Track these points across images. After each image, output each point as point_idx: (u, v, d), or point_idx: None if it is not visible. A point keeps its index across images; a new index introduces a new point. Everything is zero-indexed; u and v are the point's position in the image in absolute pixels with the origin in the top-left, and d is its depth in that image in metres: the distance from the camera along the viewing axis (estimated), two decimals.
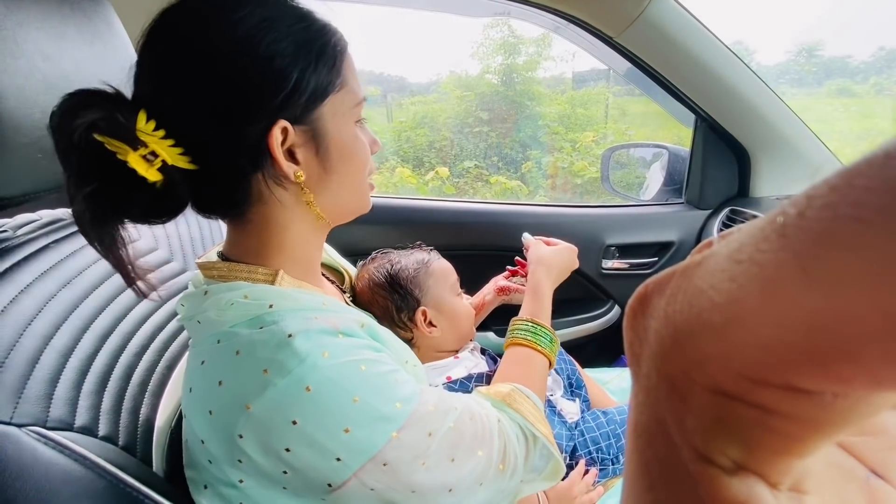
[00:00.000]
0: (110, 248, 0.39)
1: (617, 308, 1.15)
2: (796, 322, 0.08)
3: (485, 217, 1.07)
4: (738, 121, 0.96)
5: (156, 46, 0.40)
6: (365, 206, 0.51)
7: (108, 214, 0.38)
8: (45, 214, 0.56)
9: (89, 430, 0.42)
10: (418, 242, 0.75)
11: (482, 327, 1.08)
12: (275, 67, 0.40)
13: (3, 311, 0.41)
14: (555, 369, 0.81)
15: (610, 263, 1.10)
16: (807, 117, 0.93)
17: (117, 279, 0.56)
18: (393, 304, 0.66)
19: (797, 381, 0.08)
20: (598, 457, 0.65)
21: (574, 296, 1.14)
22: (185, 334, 0.61)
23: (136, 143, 0.36)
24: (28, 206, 0.53)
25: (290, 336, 0.39)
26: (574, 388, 0.79)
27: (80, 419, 0.42)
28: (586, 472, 0.64)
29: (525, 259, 0.85)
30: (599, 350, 1.19)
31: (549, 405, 0.74)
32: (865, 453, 0.12)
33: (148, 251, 0.63)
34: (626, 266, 1.11)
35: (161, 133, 0.37)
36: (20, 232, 0.51)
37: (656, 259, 1.12)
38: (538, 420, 0.50)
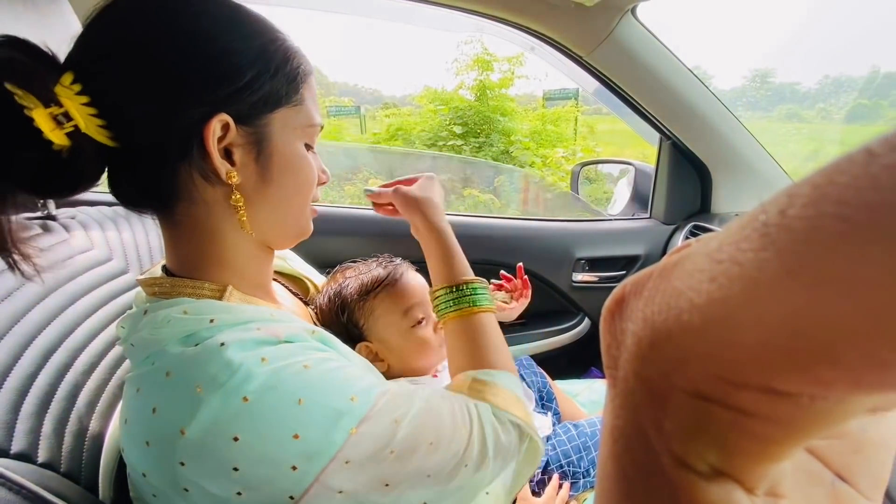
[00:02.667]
0: None
1: (587, 321, 1.17)
2: (778, 323, 0.08)
3: (457, 229, 1.07)
4: (699, 140, 1.00)
5: (106, 16, 0.37)
6: (304, 231, 0.49)
7: (4, 174, 0.34)
8: None
9: (27, 457, 0.39)
10: (386, 254, 0.68)
11: None
12: (230, 62, 0.39)
13: None
14: (526, 383, 0.80)
15: (580, 276, 1.12)
16: (761, 139, 0.98)
17: (62, 292, 0.52)
18: (342, 331, 0.61)
19: (777, 384, 0.08)
20: (569, 470, 0.65)
21: (545, 309, 1.15)
22: None
23: (49, 99, 0.34)
24: None
25: (222, 345, 0.36)
26: (545, 402, 0.80)
27: (18, 444, 0.38)
28: (560, 486, 0.64)
29: (511, 274, 0.83)
30: (570, 362, 1.20)
31: None
32: (831, 457, 0.12)
33: (103, 261, 0.60)
34: (596, 279, 1.13)
35: (84, 99, 0.35)
36: None
37: (624, 272, 1.14)
38: (508, 402, 0.47)
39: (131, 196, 0.42)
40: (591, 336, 1.17)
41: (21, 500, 0.35)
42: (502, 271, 0.86)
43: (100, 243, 0.61)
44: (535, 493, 0.63)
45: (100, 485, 0.44)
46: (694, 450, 0.10)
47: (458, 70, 6.33)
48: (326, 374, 0.39)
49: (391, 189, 0.61)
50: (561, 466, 0.65)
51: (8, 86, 0.33)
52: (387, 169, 5.80)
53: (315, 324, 0.61)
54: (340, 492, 0.38)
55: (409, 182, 0.62)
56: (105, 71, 0.36)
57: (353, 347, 0.59)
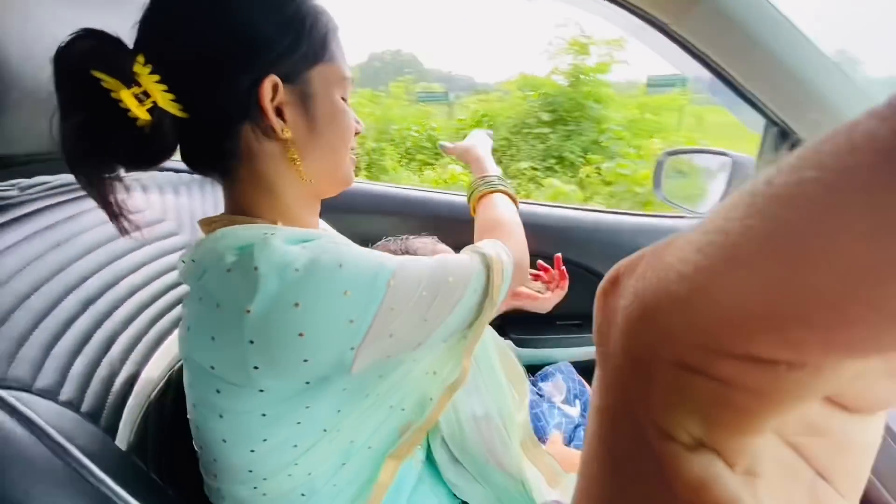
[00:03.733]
0: (96, 185, 0.41)
1: None
2: (757, 287, 0.08)
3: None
4: (816, 130, 0.82)
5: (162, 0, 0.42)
6: (348, 178, 0.53)
7: (94, 149, 0.40)
8: (60, 178, 0.57)
9: (49, 393, 0.42)
10: (424, 233, 0.75)
11: (500, 334, 1.02)
12: (272, 25, 0.43)
13: None
14: (562, 377, 0.75)
15: None
16: None
17: (113, 246, 0.56)
18: None
19: (755, 350, 0.09)
20: None
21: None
22: (178, 308, 0.60)
23: (130, 81, 0.39)
24: (42, 168, 0.55)
25: (270, 235, 0.40)
26: (583, 411, 0.72)
27: (42, 381, 0.42)
28: None
29: (548, 265, 0.79)
30: None
31: (550, 403, 0.69)
32: (813, 455, 0.12)
33: (154, 221, 0.64)
34: None
35: (156, 77, 0.39)
36: (27, 192, 0.53)
37: None
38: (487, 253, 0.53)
39: (203, 160, 0.48)
40: None
41: (29, 434, 0.37)
42: (540, 261, 0.80)
43: (156, 206, 0.66)
44: None
45: (120, 429, 0.47)
46: (677, 421, 0.10)
47: (552, 54, 6.06)
48: (356, 250, 0.43)
49: (453, 146, 0.82)
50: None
51: (95, 73, 0.38)
52: None
53: None
54: (391, 335, 0.43)
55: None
56: (169, 50, 0.41)
57: None
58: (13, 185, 0.52)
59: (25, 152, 0.49)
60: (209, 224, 0.48)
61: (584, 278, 1.01)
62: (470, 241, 1.05)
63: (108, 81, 0.38)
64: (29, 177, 0.53)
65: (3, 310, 0.42)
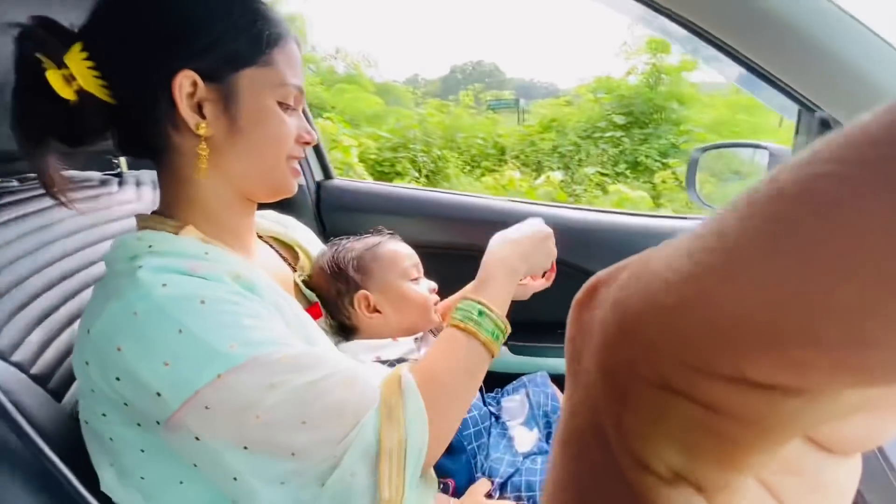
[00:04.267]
0: (33, 150, 0.45)
1: None
2: (756, 297, 0.07)
3: (503, 216, 0.96)
4: (860, 112, 0.68)
5: None
6: (281, 186, 0.52)
7: (34, 121, 0.45)
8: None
9: (1, 355, 0.48)
10: (379, 227, 0.72)
11: None
12: (194, 21, 0.45)
13: None
14: (527, 395, 0.69)
15: None
16: None
17: (104, 229, 0.64)
18: (335, 289, 0.64)
19: (750, 371, 0.08)
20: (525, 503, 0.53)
21: None
22: None
23: (60, 62, 0.42)
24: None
25: (139, 267, 0.41)
26: (550, 430, 0.66)
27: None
28: None
29: None
30: None
31: (503, 428, 0.63)
32: (786, 495, 0.12)
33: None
34: None
35: (89, 63, 0.43)
36: (27, 185, 0.62)
37: None
38: (389, 417, 0.43)
39: (126, 146, 0.51)
40: None
41: None
42: None
43: (147, 198, 0.73)
44: None
45: (68, 393, 0.53)
46: (655, 449, 0.09)
47: (628, 54, 5.75)
48: (217, 314, 0.40)
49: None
50: (519, 497, 0.54)
51: (36, 53, 0.43)
52: (534, 163, 5.65)
53: (297, 287, 0.63)
54: (197, 438, 0.39)
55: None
56: (101, 36, 0.44)
57: (343, 303, 0.64)
58: (15, 178, 0.62)
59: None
60: (139, 221, 0.50)
61: (582, 282, 0.94)
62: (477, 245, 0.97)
63: (45, 62, 0.42)
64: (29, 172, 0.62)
65: None
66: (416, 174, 4.86)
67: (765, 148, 0.94)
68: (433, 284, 0.68)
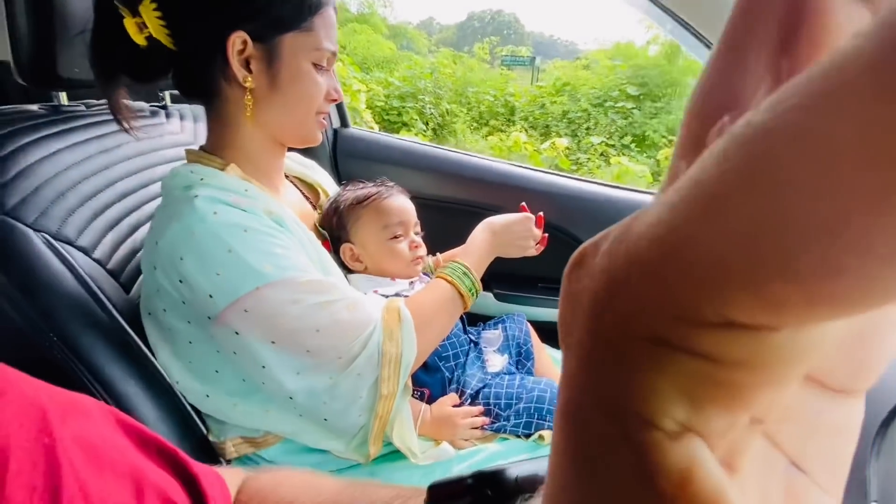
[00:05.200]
0: (108, 85, 0.55)
1: None
2: (733, 235, 0.07)
3: (504, 178, 1.07)
4: None
5: None
6: (309, 136, 0.61)
7: (110, 60, 0.54)
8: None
9: (85, 250, 0.60)
10: (383, 179, 0.77)
11: (483, 287, 1.10)
12: None
13: (48, 156, 0.60)
14: (505, 328, 0.82)
15: None
16: None
17: (153, 155, 0.74)
18: (333, 232, 0.73)
19: (733, 313, 0.08)
20: (493, 410, 0.67)
21: None
22: None
23: (135, 11, 0.51)
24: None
25: (195, 196, 0.51)
26: (521, 358, 0.80)
27: (82, 241, 0.60)
28: (479, 415, 0.67)
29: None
30: None
31: (479, 353, 0.77)
32: (784, 441, 0.11)
33: (185, 143, 0.81)
34: None
35: (158, 14, 0.50)
36: (92, 109, 0.71)
37: None
38: (390, 337, 0.56)
39: (184, 89, 0.59)
40: None
41: (72, 277, 0.55)
42: (523, 203, 0.82)
43: (188, 130, 0.83)
44: None
45: (134, 287, 0.65)
46: (660, 406, 0.09)
47: (650, 22, 5.59)
48: (257, 241, 0.51)
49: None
50: (488, 403, 0.68)
51: (115, 2, 0.51)
52: (542, 126, 5.63)
53: (316, 225, 0.74)
54: (237, 333, 0.51)
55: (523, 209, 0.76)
56: None
57: (337, 246, 0.72)
58: (83, 103, 0.71)
59: (86, 77, 0.66)
60: (188, 155, 0.59)
61: (567, 244, 1.06)
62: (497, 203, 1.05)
63: (122, 9, 0.50)
64: (97, 98, 0.72)
65: (60, 189, 0.60)
66: (423, 127, 4.84)
67: None
68: (416, 240, 0.73)
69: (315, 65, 0.57)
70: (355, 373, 0.54)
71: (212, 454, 0.60)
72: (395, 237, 0.71)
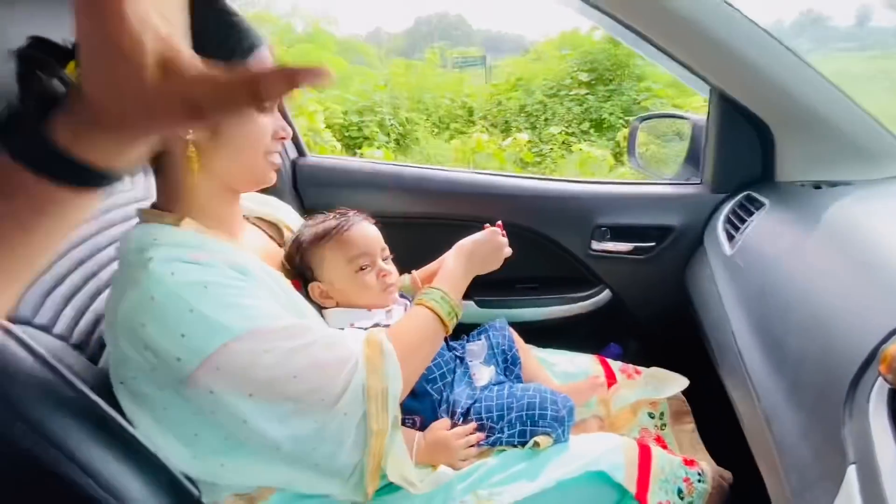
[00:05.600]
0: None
1: (608, 292, 1.09)
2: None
3: (465, 187, 1.08)
4: (752, 92, 0.82)
5: None
6: (262, 179, 0.60)
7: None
8: None
9: (46, 328, 0.58)
10: (343, 208, 0.75)
11: (464, 296, 1.11)
12: None
13: None
14: (488, 337, 0.82)
15: (599, 245, 1.04)
16: (845, 84, 0.76)
17: (102, 220, 0.71)
18: (299, 270, 0.71)
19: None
20: (486, 424, 0.68)
21: (559, 275, 1.11)
22: None
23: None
24: None
25: (149, 259, 0.49)
26: (508, 364, 0.81)
27: (40, 319, 0.57)
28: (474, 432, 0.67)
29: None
30: (588, 335, 1.14)
31: (466, 368, 0.77)
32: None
33: (141, 198, 0.79)
34: (621, 249, 1.04)
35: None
36: None
37: (654, 244, 1.02)
38: (374, 371, 0.55)
39: None
40: (612, 308, 1.10)
41: (34, 360, 0.53)
42: (486, 223, 0.85)
43: (140, 185, 0.80)
44: None
45: (102, 357, 0.63)
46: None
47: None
48: (219, 296, 0.50)
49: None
50: (480, 419, 0.68)
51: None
52: (502, 123, 5.69)
53: (283, 264, 0.73)
54: (212, 392, 0.49)
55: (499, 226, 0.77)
56: None
57: (307, 288, 0.71)
58: None
59: None
60: (143, 214, 0.57)
61: (535, 242, 1.07)
62: (448, 215, 1.06)
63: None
64: None
65: None
66: (385, 138, 4.83)
67: (688, 119, 1.08)
68: (384, 268, 0.71)
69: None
70: (341, 412, 0.53)
71: None
72: (362, 269, 0.70)
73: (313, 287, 0.70)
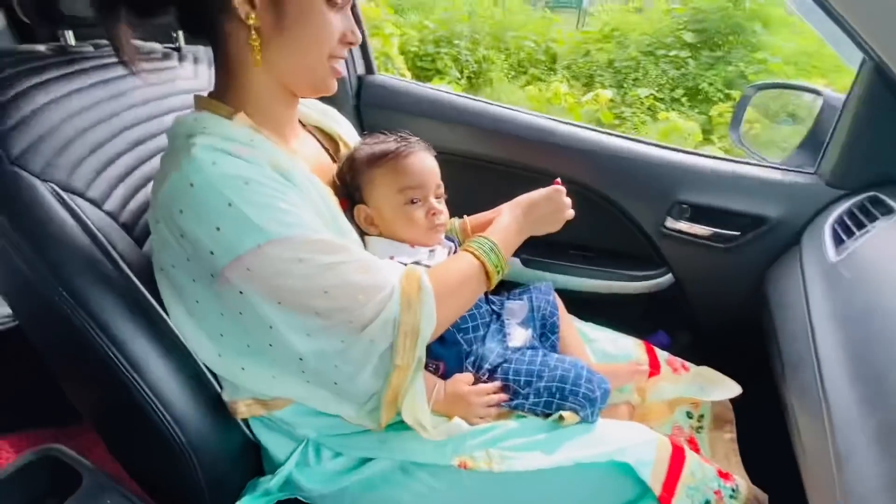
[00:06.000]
0: (108, 19, 0.50)
1: (670, 276, 0.99)
2: None
3: (543, 134, 0.97)
4: None
5: None
6: (321, 85, 0.56)
7: None
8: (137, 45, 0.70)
9: (96, 203, 0.58)
10: (406, 133, 0.69)
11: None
12: None
13: (54, 101, 0.57)
14: (530, 299, 0.77)
15: (675, 224, 0.93)
16: None
17: (163, 102, 0.70)
18: (348, 190, 0.68)
19: None
20: (511, 387, 0.64)
21: (621, 248, 1.01)
22: None
23: None
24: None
25: (193, 145, 0.47)
26: (546, 331, 0.75)
27: (92, 192, 0.57)
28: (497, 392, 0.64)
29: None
30: (641, 317, 1.06)
31: (501, 325, 0.73)
32: None
33: (199, 89, 0.76)
34: (698, 232, 0.92)
35: None
36: (101, 50, 0.67)
37: (739, 233, 0.90)
38: (407, 305, 0.52)
39: (187, 26, 0.56)
40: (671, 295, 1.00)
41: (81, 230, 0.53)
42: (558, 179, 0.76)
43: (203, 75, 0.78)
44: None
45: (147, 242, 0.63)
46: None
47: None
48: (259, 195, 0.47)
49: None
50: (507, 380, 0.64)
51: None
52: (585, 76, 5.23)
53: (335, 180, 0.69)
54: (241, 292, 0.48)
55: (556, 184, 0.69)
56: None
57: (353, 204, 0.67)
58: (91, 43, 0.67)
59: (92, 14, 0.61)
60: (196, 101, 0.56)
61: (600, 207, 0.98)
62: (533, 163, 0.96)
63: None
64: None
65: (68, 137, 0.57)
66: (458, 75, 4.61)
67: (820, 94, 0.90)
68: (435, 206, 0.66)
69: (328, 2, 0.51)
70: (367, 338, 0.51)
71: (225, 412, 0.60)
72: (412, 202, 0.65)
73: (359, 210, 0.67)
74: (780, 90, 1.09)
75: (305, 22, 0.51)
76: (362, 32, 0.99)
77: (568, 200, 0.69)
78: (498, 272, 0.61)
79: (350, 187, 0.68)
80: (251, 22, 0.49)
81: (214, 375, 0.60)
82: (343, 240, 0.54)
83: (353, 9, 0.58)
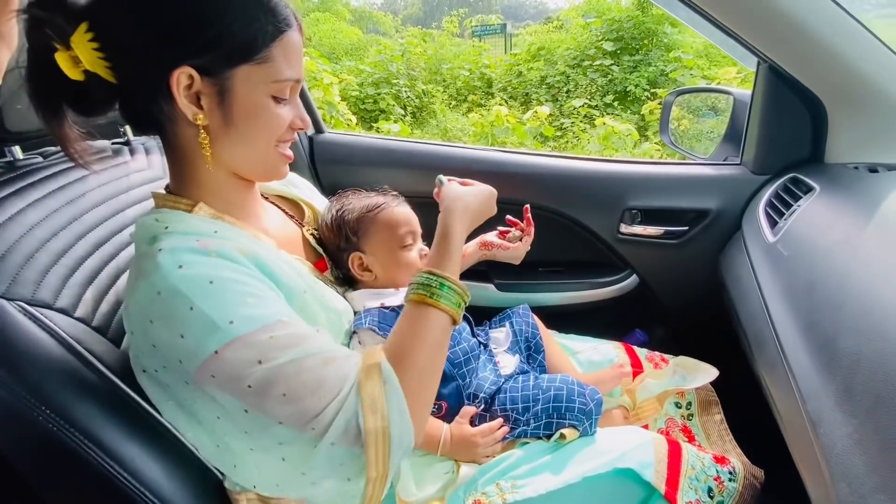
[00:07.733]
0: (52, 122, 0.48)
1: (635, 277, 1.05)
2: None
3: (489, 166, 1.03)
4: (807, 63, 0.74)
5: None
6: (272, 172, 0.57)
7: (48, 95, 0.48)
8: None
9: (66, 311, 0.57)
10: (385, 186, 0.75)
11: (484, 280, 1.08)
12: (194, 18, 0.47)
13: (11, 218, 0.57)
14: (511, 324, 0.80)
15: (629, 228, 0.99)
16: None
17: (120, 198, 0.70)
18: (335, 245, 0.71)
19: None
20: (511, 416, 0.66)
21: (585, 259, 1.07)
22: None
23: (68, 44, 0.45)
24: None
25: (159, 250, 0.47)
26: (532, 352, 0.78)
27: (60, 302, 0.57)
28: (499, 428, 0.65)
29: (516, 219, 0.82)
30: (614, 320, 1.11)
31: (490, 355, 0.75)
32: None
33: (154, 179, 0.77)
34: (651, 233, 0.99)
35: (94, 44, 0.45)
36: (50, 159, 0.67)
37: (687, 228, 0.97)
38: (372, 408, 0.46)
39: (135, 124, 0.56)
40: (639, 294, 1.06)
41: (55, 343, 0.52)
42: (508, 216, 0.83)
43: (157, 164, 0.79)
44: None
45: (124, 340, 0.62)
46: None
47: None
48: (223, 292, 0.46)
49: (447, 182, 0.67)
50: (505, 410, 0.66)
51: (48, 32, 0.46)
52: (522, 95, 5.50)
53: (306, 242, 0.70)
54: (213, 398, 0.47)
55: (466, 184, 0.69)
56: (107, 20, 0.46)
57: (346, 258, 0.70)
58: (39, 153, 0.67)
59: (36, 128, 0.62)
60: (155, 198, 0.55)
61: (559, 225, 1.03)
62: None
63: (55, 42, 0.45)
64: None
65: (29, 251, 0.56)
66: (402, 111, 4.73)
67: (730, 93, 1.01)
68: (424, 248, 0.73)
69: (275, 97, 0.52)
70: (328, 442, 0.46)
71: (228, 502, 0.59)
72: (405, 246, 0.70)
73: (354, 257, 0.70)
74: (695, 94, 1.21)
75: (253, 119, 0.51)
76: (307, 102, 1.04)
77: (489, 188, 0.69)
78: (458, 306, 0.53)
79: (340, 240, 0.70)
80: (199, 122, 0.49)
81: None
82: (308, 327, 0.51)
83: (303, 93, 0.60)
